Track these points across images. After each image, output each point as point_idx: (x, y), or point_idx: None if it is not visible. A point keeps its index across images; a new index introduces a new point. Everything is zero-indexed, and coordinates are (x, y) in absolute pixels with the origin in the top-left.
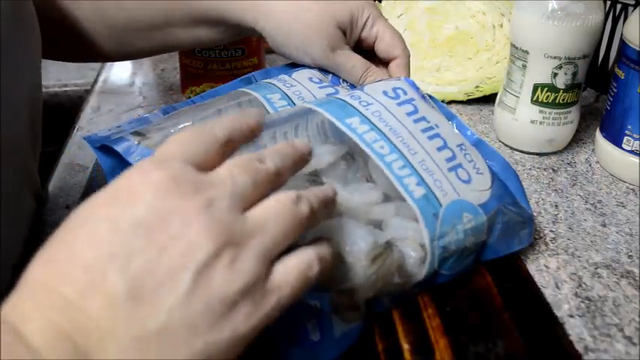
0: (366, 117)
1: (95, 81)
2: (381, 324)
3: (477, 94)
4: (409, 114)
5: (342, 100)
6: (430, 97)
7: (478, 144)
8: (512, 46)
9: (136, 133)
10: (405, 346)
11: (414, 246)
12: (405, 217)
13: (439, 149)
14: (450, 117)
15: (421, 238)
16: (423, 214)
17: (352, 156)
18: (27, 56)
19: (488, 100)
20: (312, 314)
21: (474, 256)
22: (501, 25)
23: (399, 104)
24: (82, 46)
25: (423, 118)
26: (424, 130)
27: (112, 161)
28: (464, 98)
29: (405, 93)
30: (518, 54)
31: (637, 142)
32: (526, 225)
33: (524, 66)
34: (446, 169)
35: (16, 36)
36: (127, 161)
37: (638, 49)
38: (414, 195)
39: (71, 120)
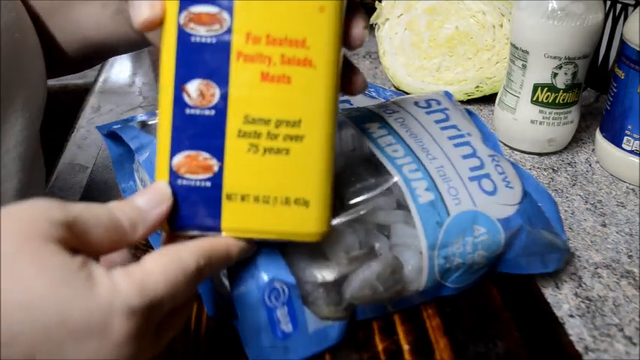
0: (386, 123)
1: (95, 81)
2: (381, 324)
3: (477, 94)
4: (438, 121)
5: (369, 110)
6: (469, 112)
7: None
8: (512, 46)
9: (141, 123)
10: (405, 346)
11: (412, 253)
12: (412, 226)
13: (465, 157)
14: (488, 136)
15: (419, 246)
16: (423, 221)
17: (377, 165)
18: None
19: (489, 100)
20: (281, 301)
21: (485, 270)
22: (501, 25)
23: (429, 112)
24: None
25: (454, 127)
26: (452, 137)
27: (120, 150)
28: (464, 98)
29: (439, 103)
30: (518, 54)
31: (637, 142)
32: (556, 250)
33: (524, 66)
34: (467, 177)
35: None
36: (132, 151)
37: (638, 49)
38: (418, 200)
39: (71, 120)
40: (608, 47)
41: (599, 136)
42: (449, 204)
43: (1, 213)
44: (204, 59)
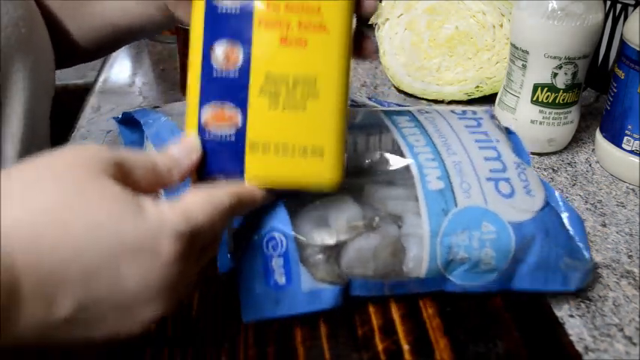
0: (416, 118)
1: (95, 81)
2: (381, 324)
3: (477, 94)
4: (468, 127)
5: (405, 109)
6: (508, 130)
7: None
8: (512, 46)
9: (152, 106)
10: (405, 346)
11: (417, 240)
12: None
13: (487, 159)
14: (521, 153)
15: (422, 231)
16: (429, 206)
17: (408, 167)
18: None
19: (488, 100)
20: (278, 252)
21: (495, 275)
22: (501, 25)
23: (461, 118)
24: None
25: (484, 133)
26: (479, 141)
27: (133, 137)
28: (464, 98)
29: (475, 113)
30: (518, 54)
31: (637, 142)
32: (577, 268)
33: (524, 66)
34: (484, 177)
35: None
36: (142, 138)
37: (638, 49)
38: (428, 186)
39: (71, 120)
40: (608, 47)
41: (599, 136)
42: (458, 196)
43: (61, 151)
44: (230, 26)
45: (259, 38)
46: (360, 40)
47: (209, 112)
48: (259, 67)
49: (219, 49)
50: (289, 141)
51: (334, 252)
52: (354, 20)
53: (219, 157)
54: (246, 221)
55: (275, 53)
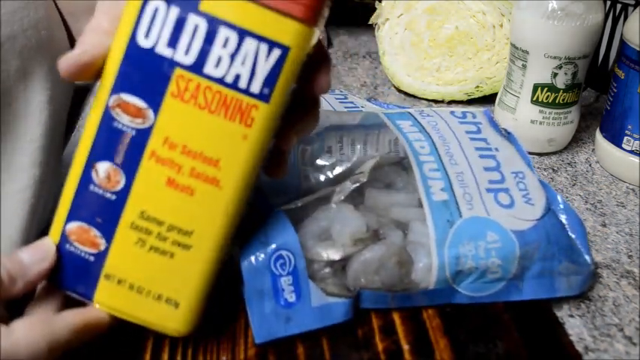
0: (419, 123)
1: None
2: (381, 324)
3: (477, 94)
4: (469, 132)
5: (406, 111)
6: (508, 133)
7: (544, 188)
8: (512, 46)
9: None
10: (405, 346)
11: (425, 252)
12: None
13: (487, 169)
14: (522, 156)
15: (428, 240)
16: (435, 217)
17: (406, 168)
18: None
19: (488, 100)
20: (287, 270)
21: (502, 285)
22: (501, 25)
23: (462, 122)
24: None
25: (483, 140)
26: (478, 149)
27: None
28: (464, 98)
29: (474, 117)
30: (518, 54)
31: (637, 142)
32: (580, 273)
33: (524, 66)
34: (485, 188)
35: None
36: None
37: (638, 49)
38: (432, 197)
39: (71, 120)
40: (608, 47)
41: (599, 136)
42: (462, 207)
43: None
44: (119, 147)
45: (145, 171)
46: (316, 71)
47: (75, 224)
48: (137, 201)
49: (103, 166)
50: (147, 282)
51: (341, 265)
52: (256, 175)
53: (75, 273)
54: (250, 233)
55: (157, 192)
